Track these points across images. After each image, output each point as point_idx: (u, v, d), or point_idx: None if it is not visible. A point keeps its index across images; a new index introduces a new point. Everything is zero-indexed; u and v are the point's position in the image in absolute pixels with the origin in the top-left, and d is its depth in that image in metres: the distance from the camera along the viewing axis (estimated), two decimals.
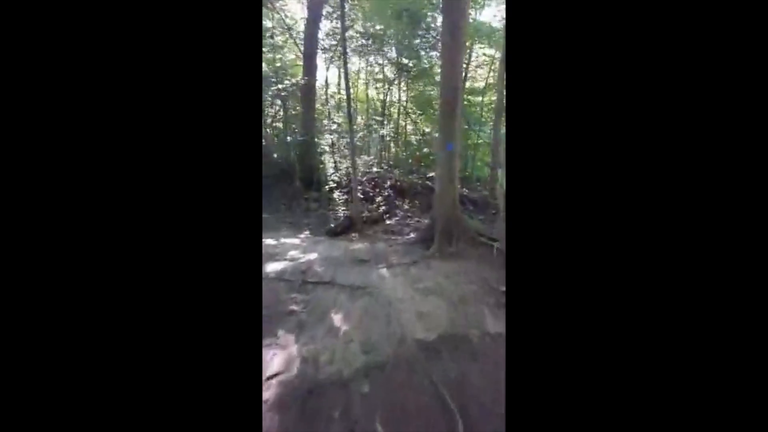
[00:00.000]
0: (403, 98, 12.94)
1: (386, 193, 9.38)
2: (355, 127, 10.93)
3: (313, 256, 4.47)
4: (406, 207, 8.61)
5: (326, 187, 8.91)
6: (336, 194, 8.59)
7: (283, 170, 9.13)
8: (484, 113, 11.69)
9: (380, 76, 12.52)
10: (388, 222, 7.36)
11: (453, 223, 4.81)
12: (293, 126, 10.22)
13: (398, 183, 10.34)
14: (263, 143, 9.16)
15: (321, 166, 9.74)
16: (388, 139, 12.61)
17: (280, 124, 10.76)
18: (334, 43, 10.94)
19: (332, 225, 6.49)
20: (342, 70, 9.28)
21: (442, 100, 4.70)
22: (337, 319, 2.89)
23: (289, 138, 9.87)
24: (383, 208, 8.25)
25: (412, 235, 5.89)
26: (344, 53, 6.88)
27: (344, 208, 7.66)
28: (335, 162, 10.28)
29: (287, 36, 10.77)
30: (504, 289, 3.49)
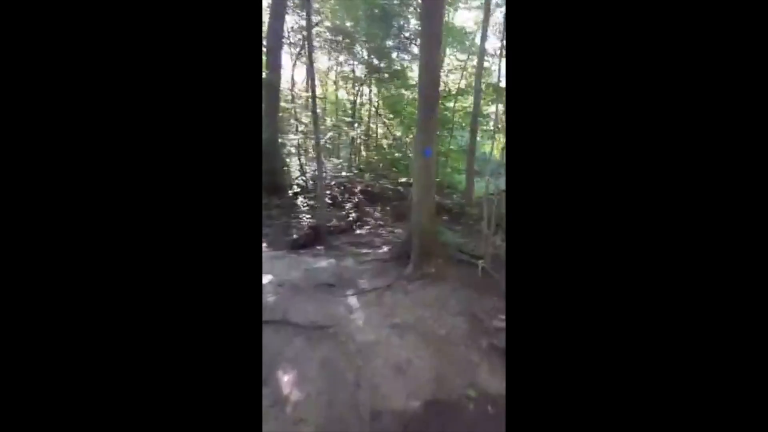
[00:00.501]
0: (375, 100, 12.29)
1: (356, 199, 8.62)
2: (323, 127, 10.14)
3: (265, 279, 3.63)
4: (377, 215, 7.89)
5: (290, 191, 7.99)
6: (300, 200, 7.69)
7: None
8: (455, 119, 11.23)
9: (351, 76, 11.79)
10: (357, 232, 6.61)
11: (431, 238, 4.15)
12: None
13: (369, 188, 9.61)
14: None
15: (285, 168, 8.81)
16: (358, 141, 11.87)
17: None
18: (300, 38, 10.07)
19: (295, 236, 5.63)
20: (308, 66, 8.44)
21: (420, 103, 4.04)
22: (285, 382, 2.10)
23: None
24: (353, 215, 7.48)
25: (384, 248, 5.17)
26: (309, 46, 6.08)
27: (309, 216, 6.80)
28: (300, 165, 9.37)
29: None
30: (497, 324, 2.85)
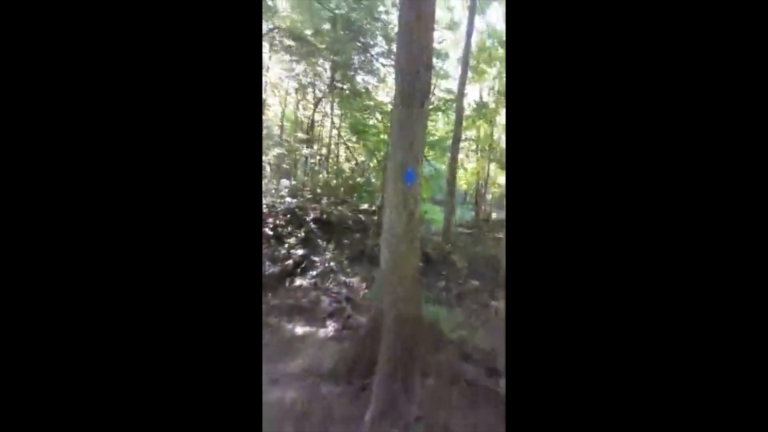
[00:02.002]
0: (336, 121, 10.57)
1: (308, 229, 6.59)
2: (270, 143, 8.15)
3: None
4: (329, 254, 5.87)
5: None
6: None
7: None
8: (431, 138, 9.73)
9: (309, 90, 10.00)
10: (297, 283, 4.56)
11: (413, 325, 2.23)
12: None
13: (324, 216, 7.63)
14: None
15: None
16: (312, 162, 9.91)
17: None
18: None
19: None
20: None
21: (398, 105, 2.22)
22: None
23: None
24: (299, 253, 5.43)
25: (330, 326, 3.15)
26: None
27: None
28: None
29: None
30: None
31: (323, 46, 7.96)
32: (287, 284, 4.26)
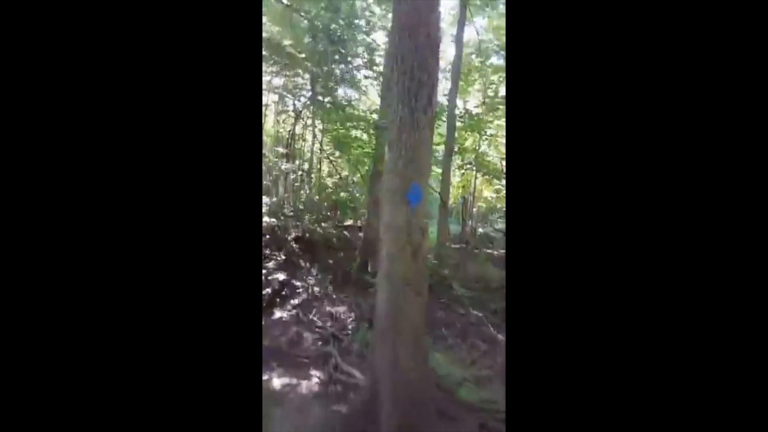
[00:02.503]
0: (318, 134, 10.04)
1: (288, 250, 6.00)
2: None
3: None
4: (312, 279, 5.26)
5: None
6: None
7: None
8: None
9: (288, 103, 9.49)
10: (277, 315, 3.95)
11: (419, 404, 1.68)
12: None
13: (306, 235, 7.02)
14: None
15: None
16: (293, 177, 9.28)
17: None
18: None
19: None
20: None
21: (396, 114, 1.75)
22: None
23: None
24: (280, 278, 4.81)
25: (313, 377, 2.56)
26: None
27: None
28: None
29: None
30: None
31: (303, 55, 7.51)
32: (263, 319, 3.63)
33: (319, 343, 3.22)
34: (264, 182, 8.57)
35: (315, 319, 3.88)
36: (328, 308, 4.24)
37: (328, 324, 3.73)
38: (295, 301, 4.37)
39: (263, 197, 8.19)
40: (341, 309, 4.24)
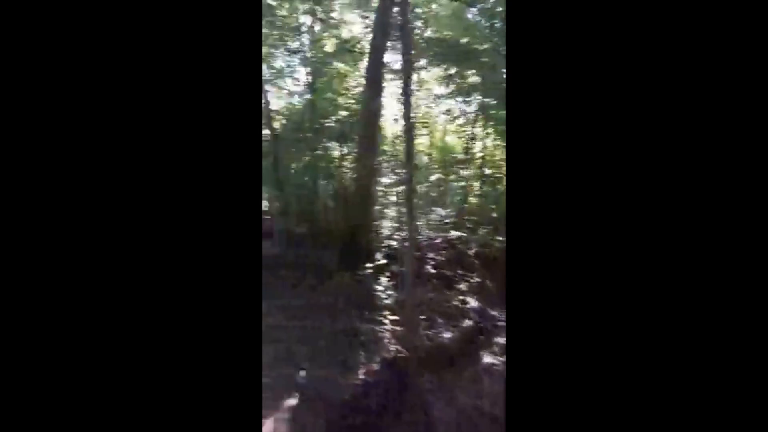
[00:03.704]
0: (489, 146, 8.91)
1: (473, 275, 5.21)
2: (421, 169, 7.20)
3: None
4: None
5: (376, 261, 4.95)
6: (385, 279, 4.58)
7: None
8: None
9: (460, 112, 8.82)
10: (485, 360, 3.12)
11: None
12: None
13: (487, 249, 6.03)
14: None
15: (375, 223, 5.95)
16: (467, 184, 8.44)
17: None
18: (398, 57, 7.48)
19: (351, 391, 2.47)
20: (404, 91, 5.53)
21: None
22: None
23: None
24: (473, 314, 4.02)
25: None
26: (407, 64, 3.31)
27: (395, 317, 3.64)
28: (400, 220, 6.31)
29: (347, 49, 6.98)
30: None
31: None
32: (472, 364, 2.86)
33: None
34: (433, 194, 8.19)
35: None
36: None
37: None
38: (501, 340, 3.45)
39: (438, 209, 7.76)
40: None
